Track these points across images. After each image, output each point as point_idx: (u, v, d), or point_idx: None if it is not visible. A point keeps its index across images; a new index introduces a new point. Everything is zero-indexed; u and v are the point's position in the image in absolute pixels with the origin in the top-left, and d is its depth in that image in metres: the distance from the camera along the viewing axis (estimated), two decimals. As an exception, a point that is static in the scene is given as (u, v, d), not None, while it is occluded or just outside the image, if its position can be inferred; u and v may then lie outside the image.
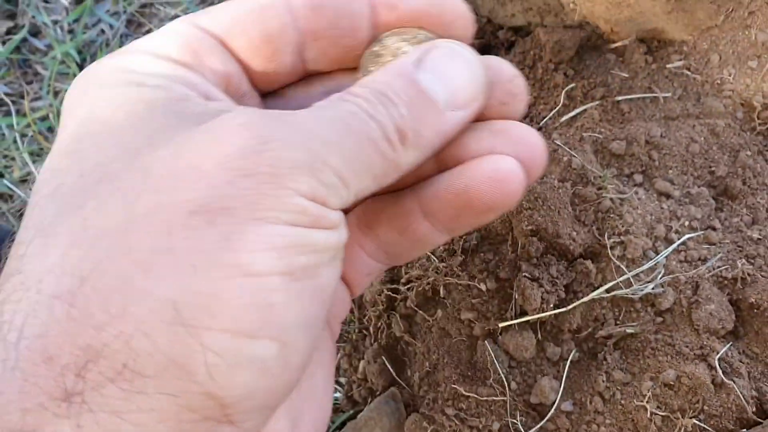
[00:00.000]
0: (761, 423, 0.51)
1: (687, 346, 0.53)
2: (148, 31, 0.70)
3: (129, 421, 0.24)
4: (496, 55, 0.67)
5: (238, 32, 0.36)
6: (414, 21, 0.37)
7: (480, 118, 0.37)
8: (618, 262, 0.54)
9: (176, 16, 0.70)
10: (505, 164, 0.35)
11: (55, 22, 0.70)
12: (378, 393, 0.63)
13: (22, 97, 0.68)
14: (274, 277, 0.26)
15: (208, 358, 0.25)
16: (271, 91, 0.40)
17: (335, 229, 0.30)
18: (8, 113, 0.66)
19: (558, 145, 0.60)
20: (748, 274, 0.55)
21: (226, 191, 0.27)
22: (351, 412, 0.67)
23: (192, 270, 0.26)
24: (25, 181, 0.63)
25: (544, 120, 0.66)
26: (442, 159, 0.37)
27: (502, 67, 0.37)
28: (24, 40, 0.69)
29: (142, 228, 0.26)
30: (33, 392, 0.24)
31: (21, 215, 0.61)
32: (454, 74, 0.35)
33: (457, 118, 0.34)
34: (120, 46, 0.74)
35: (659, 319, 0.55)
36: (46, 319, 0.24)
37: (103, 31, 0.69)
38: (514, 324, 0.55)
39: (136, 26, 0.71)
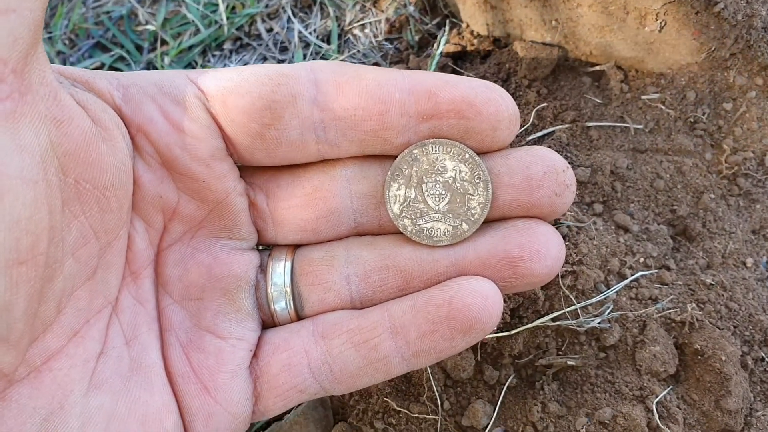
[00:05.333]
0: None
1: (627, 386, 0.52)
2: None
3: None
4: (471, 63, 0.65)
5: (242, 92, 0.35)
6: (453, 112, 0.35)
7: (533, 210, 0.37)
8: (567, 292, 0.53)
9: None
10: (489, 286, 0.36)
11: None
12: (307, 397, 0.60)
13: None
14: None
15: None
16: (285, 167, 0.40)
17: None
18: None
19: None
20: (697, 320, 0.53)
21: None
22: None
23: None
24: None
25: (513, 136, 0.63)
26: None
27: (553, 158, 0.36)
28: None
29: None
30: None
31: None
32: None
33: None
34: (83, 2, 0.69)
35: (602, 355, 0.53)
36: None
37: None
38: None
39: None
